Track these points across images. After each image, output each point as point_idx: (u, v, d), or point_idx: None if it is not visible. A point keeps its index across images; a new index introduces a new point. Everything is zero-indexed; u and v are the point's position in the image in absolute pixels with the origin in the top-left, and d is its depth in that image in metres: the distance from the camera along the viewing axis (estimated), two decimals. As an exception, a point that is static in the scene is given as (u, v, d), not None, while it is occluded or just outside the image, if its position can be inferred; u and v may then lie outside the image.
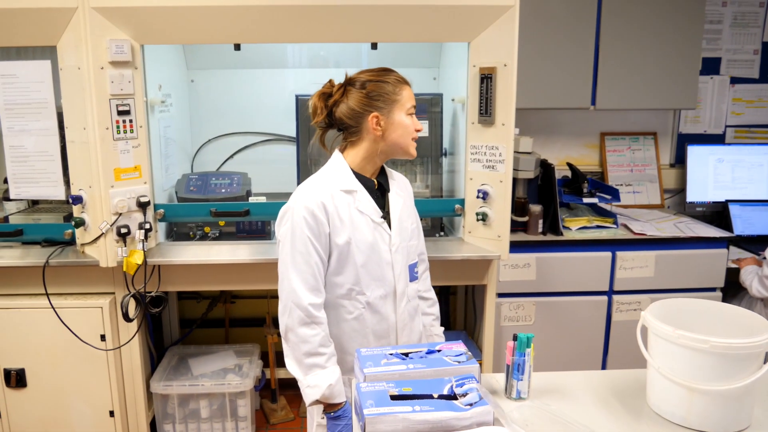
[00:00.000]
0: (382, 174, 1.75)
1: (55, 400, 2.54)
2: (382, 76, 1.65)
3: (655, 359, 1.42)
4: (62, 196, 2.45)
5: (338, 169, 1.69)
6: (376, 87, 1.63)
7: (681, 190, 3.45)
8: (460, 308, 3.29)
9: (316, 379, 1.59)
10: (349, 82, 1.67)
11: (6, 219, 2.65)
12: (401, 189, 1.78)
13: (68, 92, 2.32)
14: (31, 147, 2.41)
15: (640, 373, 1.56)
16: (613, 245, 2.82)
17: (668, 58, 3.00)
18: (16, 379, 2.49)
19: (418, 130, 1.68)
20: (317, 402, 1.61)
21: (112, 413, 2.56)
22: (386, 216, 1.70)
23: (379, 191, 1.72)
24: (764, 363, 1.34)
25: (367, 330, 1.70)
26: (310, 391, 1.60)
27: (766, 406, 1.45)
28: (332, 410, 1.63)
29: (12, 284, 2.49)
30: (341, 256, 1.64)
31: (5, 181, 2.51)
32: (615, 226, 2.92)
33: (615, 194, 2.93)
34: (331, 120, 1.69)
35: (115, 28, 2.26)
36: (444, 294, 3.24)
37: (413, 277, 1.78)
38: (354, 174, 1.68)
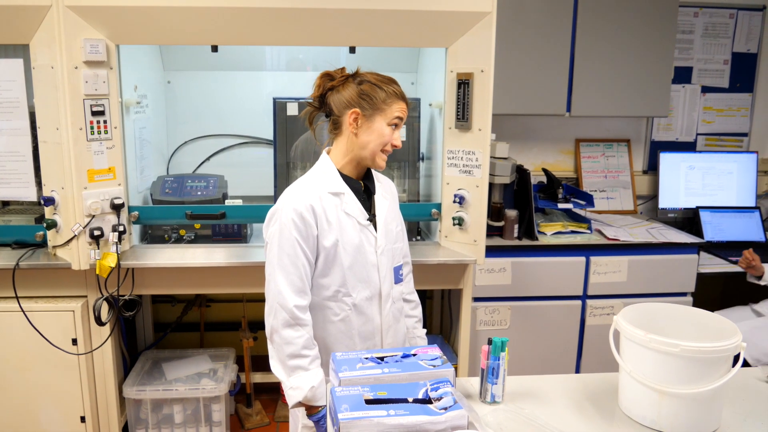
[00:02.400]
0: (368, 176, 1.77)
1: (25, 405, 2.49)
2: (381, 83, 1.66)
3: (627, 363, 1.44)
4: (34, 198, 2.41)
5: (326, 171, 1.70)
6: (370, 89, 1.65)
7: (653, 196, 3.51)
8: (436, 312, 3.31)
9: (299, 380, 1.60)
10: (353, 75, 1.70)
11: (-25, 220, 2.59)
12: (387, 192, 1.80)
13: (41, 92, 2.28)
14: (2, 147, 2.37)
15: (613, 376, 1.58)
16: (587, 250, 2.86)
17: (641, 66, 3.06)
18: (-16, 384, 2.44)
19: (394, 145, 1.68)
20: (300, 404, 1.61)
21: (83, 419, 2.52)
22: (372, 218, 1.72)
23: (365, 193, 1.74)
24: (732, 366, 1.37)
25: (353, 332, 1.71)
26: (292, 393, 1.61)
27: (734, 408, 1.48)
28: (314, 412, 1.63)
29: (-20, 287, 2.43)
30: (328, 258, 1.65)
31: (-26, 181, 2.46)
32: (589, 231, 2.97)
33: (589, 200, 2.97)
34: (321, 102, 1.71)
35: (90, 27, 2.23)
36: (421, 298, 3.23)
37: (398, 279, 1.80)
38: (341, 176, 1.70)
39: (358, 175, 1.73)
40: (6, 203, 2.73)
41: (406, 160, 2.74)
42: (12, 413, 2.49)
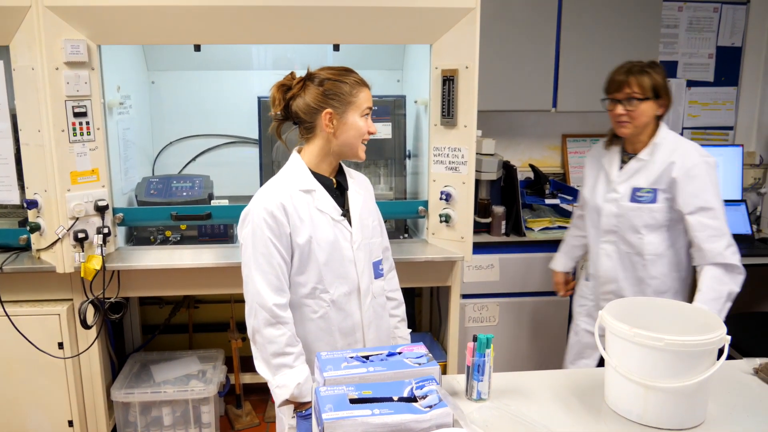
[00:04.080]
0: (340, 173, 1.77)
1: (11, 410, 2.46)
2: (341, 76, 1.65)
3: (613, 358, 1.44)
4: (17, 201, 2.39)
5: (296, 169, 1.70)
6: (333, 86, 1.64)
7: (641, 190, 3.52)
8: (425, 310, 3.30)
9: (284, 378, 1.60)
10: (308, 77, 1.68)
11: (-43, 225, 2.56)
12: (361, 187, 1.80)
13: (22, 93, 2.26)
14: (-16, 150, 2.34)
15: (599, 371, 1.58)
16: (574, 245, 2.86)
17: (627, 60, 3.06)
18: (-31, 390, 2.42)
19: (371, 133, 1.69)
20: (287, 402, 1.61)
21: (71, 423, 2.50)
22: (346, 213, 1.72)
23: (338, 190, 1.74)
24: (717, 359, 1.37)
25: (333, 328, 1.71)
26: (279, 392, 1.61)
27: (719, 401, 1.48)
28: (302, 409, 1.63)
29: (-36, 292, 2.40)
30: (303, 255, 1.65)
31: (-44, 185, 2.43)
32: (577, 226, 2.97)
33: (576, 195, 2.97)
34: (287, 113, 1.70)
35: (71, 27, 2.21)
36: (409, 296, 3.25)
37: (378, 274, 1.79)
38: (312, 173, 1.70)
39: (330, 172, 1.73)
40: (-11, 207, 2.69)
41: (393, 157, 2.73)
42: (-2, 419, 2.47)
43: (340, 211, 1.70)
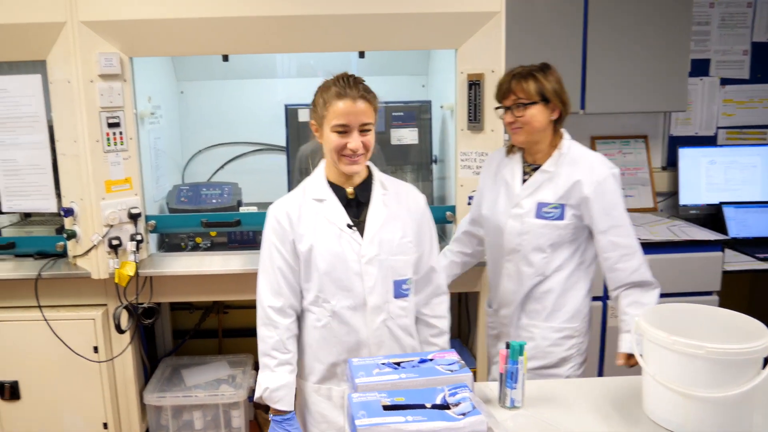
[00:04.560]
0: (367, 183, 1.73)
1: (48, 412, 2.52)
2: (322, 88, 1.65)
3: (650, 366, 1.41)
4: (54, 209, 2.44)
5: (314, 178, 1.74)
6: (315, 98, 1.68)
7: (673, 193, 3.46)
8: (453, 315, 3.26)
9: (262, 377, 1.70)
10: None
11: (-2, 232, 2.64)
12: (394, 201, 1.72)
13: (58, 106, 2.32)
14: (23, 160, 2.40)
15: (637, 380, 1.55)
16: (606, 249, 2.81)
17: (657, 60, 3.01)
18: (10, 391, 2.48)
19: (348, 149, 1.60)
20: (261, 399, 1.70)
21: (105, 425, 2.55)
22: (359, 225, 1.68)
23: (356, 200, 1.71)
24: (763, 368, 1.31)
25: (335, 340, 1.70)
26: (257, 387, 1.71)
27: (766, 412, 1.42)
28: (276, 414, 1.70)
29: (5, 297, 2.47)
30: (306, 262, 1.68)
31: (-4, 194, 2.50)
32: (608, 230, 2.92)
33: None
34: None
35: (104, 41, 2.26)
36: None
37: (400, 294, 1.71)
38: (328, 183, 1.71)
39: (345, 182, 1.70)
40: (28, 215, 2.77)
41: (419, 162, 2.73)
42: (37, 420, 2.53)
43: (348, 222, 1.67)
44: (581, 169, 1.90)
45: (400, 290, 1.70)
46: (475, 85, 2.36)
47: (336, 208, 1.67)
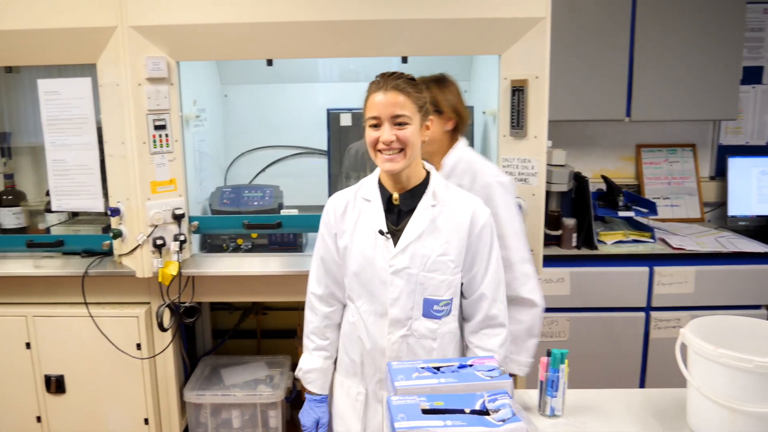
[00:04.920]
0: (417, 191, 1.63)
1: (92, 406, 2.59)
2: (371, 83, 1.60)
3: (696, 378, 1.37)
4: (101, 208, 2.51)
5: (370, 177, 1.72)
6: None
7: (722, 203, 3.35)
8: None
9: (302, 358, 1.80)
10: None
11: (48, 230, 2.73)
12: (444, 215, 1.61)
13: (107, 108, 2.39)
14: (72, 161, 2.48)
15: (680, 392, 1.51)
16: (650, 260, 2.75)
17: (707, 67, 2.93)
18: (56, 385, 2.55)
19: (384, 142, 1.53)
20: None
21: (147, 421, 2.60)
22: (397, 233, 1.61)
23: (401, 207, 1.63)
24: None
25: (358, 340, 1.69)
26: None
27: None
28: (309, 393, 1.79)
29: (53, 293, 2.55)
30: (342, 259, 1.69)
31: (47, 193, 2.58)
32: (652, 240, 2.85)
33: (652, 208, 2.87)
34: None
35: (152, 45, 2.32)
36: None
37: (429, 314, 1.61)
38: (380, 184, 1.66)
39: (392, 185, 1.63)
40: (75, 214, 2.85)
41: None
42: (81, 413, 2.60)
43: (382, 228, 1.60)
44: (466, 177, 1.94)
45: (430, 310, 1.61)
46: (518, 91, 2.34)
47: (377, 211, 1.63)
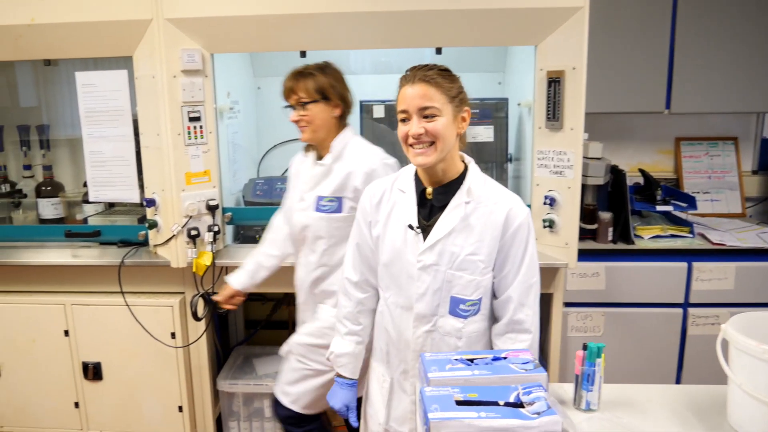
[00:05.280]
0: (451, 186, 1.58)
1: (128, 393, 2.65)
2: (401, 77, 1.57)
3: (737, 375, 1.33)
4: (137, 199, 2.56)
5: (407, 168, 1.69)
6: None
7: (765, 198, 3.24)
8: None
9: (333, 341, 1.81)
10: None
11: (85, 220, 2.79)
12: (477, 213, 1.55)
13: (143, 100, 2.42)
14: (109, 152, 2.53)
15: (720, 389, 1.47)
16: (689, 255, 2.67)
17: (751, 57, 2.83)
18: (93, 372, 2.62)
19: (412, 136, 1.50)
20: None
21: (180, 408, 2.65)
22: (427, 228, 1.57)
23: (434, 201, 1.59)
24: None
25: (385, 331, 1.69)
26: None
27: None
28: (339, 377, 1.79)
29: (90, 282, 2.61)
30: (376, 248, 1.68)
31: (85, 184, 2.64)
32: (691, 235, 2.78)
33: (691, 202, 2.79)
34: None
35: (187, 38, 2.34)
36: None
37: (456, 313, 1.57)
38: (416, 177, 1.63)
39: (427, 179, 1.59)
40: (112, 205, 2.91)
41: (494, 161, 2.68)
42: (117, 400, 2.66)
43: (412, 222, 1.57)
44: (352, 161, 2.00)
45: (456, 309, 1.58)
46: (554, 82, 2.30)
47: (410, 204, 1.59)
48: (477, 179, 1.59)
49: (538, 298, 1.60)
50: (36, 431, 2.74)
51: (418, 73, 1.50)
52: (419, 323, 1.59)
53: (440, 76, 1.51)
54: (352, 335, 1.76)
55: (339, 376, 1.79)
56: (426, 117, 1.49)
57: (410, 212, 1.59)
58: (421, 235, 1.56)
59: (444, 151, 1.52)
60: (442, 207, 1.56)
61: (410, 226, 1.56)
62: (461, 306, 1.56)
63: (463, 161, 1.62)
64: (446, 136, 1.50)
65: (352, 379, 1.78)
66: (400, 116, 1.53)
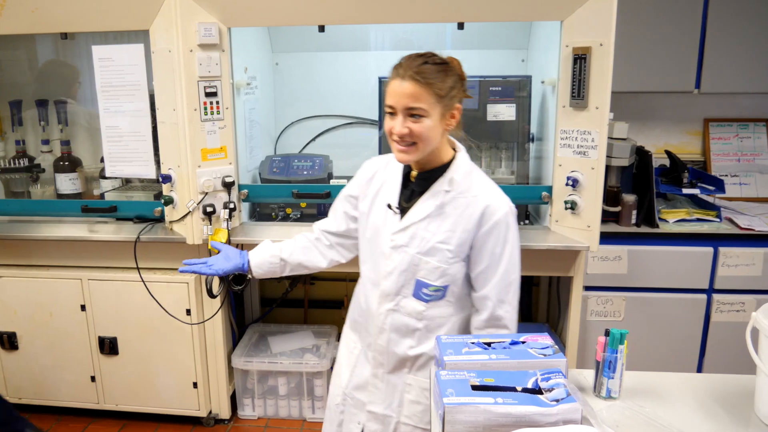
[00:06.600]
0: (435, 172, 1.55)
1: (143, 368, 2.66)
2: (394, 66, 1.51)
3: (767, 365, 1.27)
4: (153, 175, 2.54)
5: None
6: None
7: (796, 182, 3.14)
8: (542, 300, 3.16)
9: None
10: None
11: (102, 196, 2.78)
12: (454, 204, 1.53)
13: (159, 74, 2.39)
14: (126, 127, 2.51)
15: (747, 379, 1.42)
16: (715, 240, 2.60)
17: (787, 35, 2.72)
18: (110, 346, 2.63)
19: (397, 134, 1.46)
20: None
21: (195, 384, 2.65)
22: (404, 211, 1.57)
23: (415, 186, 1.58)
24: None
25: (358, 302, 1.72)
26: None
27: None
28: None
29: (106, 257, 2.61)
30: (360, 223, 1.69)
31: (102, 160, 2.63)
32: (718, 219, 2.69)
33: (719, 185, 2.70)
34: None
35: (204, 11, 2.30)
36: (527, 285, 3.12)
37: (419, 296, 1.57)
38: None
39: (414, 163, 1.56)
40: (128, 180, 2.90)
41: (516, 141, 2.62)
42: (132, 375, 2.67)
43: (392, 202, 1.58)
44: None
45: (420, 292, 1.57)
46: (580, 59, 2.22)
47: (394, 184, 1.60)
48: (461, 169, 1.55)
49: (518, 294, 1.58)
50: (53, 404, 2.78)
51: (411, 68, 1.43)
52: (383, 300, 1.61)
53: (433, 73, 1.43)
54: (282, 244, 1.85)
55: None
56: (412, 116, 1.44)
57: (393, 192, 1.60)
58: (398, 216, 1.57)
59: (426, 150, 1.49)
60: (422, 192, 1.56)
61: (389, 206, 1.58)
62: (424, 290, 1.56)
63: (454, 148, 1.59)
64: (430, 137, 1.46)
65: (246, 262, 1.86)
66: (387, 109, 1.48)
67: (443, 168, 1.55)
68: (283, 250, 1.84)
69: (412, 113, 1.43)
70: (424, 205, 1.54)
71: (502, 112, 2.58)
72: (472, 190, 1.53)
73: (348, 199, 1.74)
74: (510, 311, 1.55)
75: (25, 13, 2.39)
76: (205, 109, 2.37)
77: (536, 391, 1.14)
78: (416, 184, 1.57)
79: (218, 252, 1.95)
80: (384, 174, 1.64)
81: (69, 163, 2.84)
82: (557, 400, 1.10)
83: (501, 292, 1.53)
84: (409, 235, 1.54)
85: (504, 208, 1.51)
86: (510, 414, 1.07)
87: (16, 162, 2.91)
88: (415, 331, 1.60)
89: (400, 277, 1.57)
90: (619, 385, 1.37)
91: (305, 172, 2.69)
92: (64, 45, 3.00)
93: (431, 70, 1.43)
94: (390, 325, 1.61)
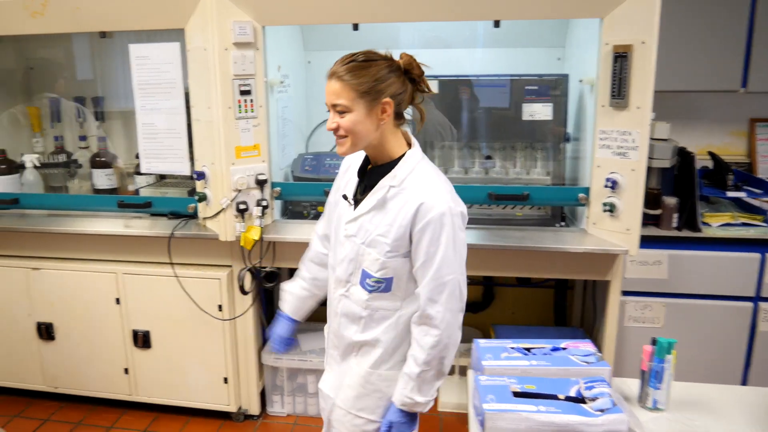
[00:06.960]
0: (385, 168, 1.58)
1: (175, 362, 2.68)
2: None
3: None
4: (187, 172, 2.56)
5: None
6: None
7: None
8: (577, 304, 3.09)
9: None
10: None
11: (137, 192, 2.81)
12: (395, 199, 1.56)
13: (195, 73, 2.40)
14: (161, 124, 2.53)
15: (801, 391, 1.35)
16: (762, 246, 2.50)
17: (840, 32, 2.60)
18: (143, 340, 2.66)
19: (328, 128, 1.56)
20: None
21: (225, 380, 2.66)
22: (356, 203, 1.64)
23: (367, 180, 1.63)
24: None
25: (327, 286, 1.78)
26: None
27: None
28: (279, 309, 1.90)
29: (141, 252, 2.64)
30: (333, 212, 1.74)
31: (137, 156, 2.65)
32: (765, 224, 2.59)
33: (766, 188, 2.60)
34: None
35: (239, 10, 2.30)
36: (561, 288, 3.05)
37: (364, 285, 1.61)
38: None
39: (371, 157, 1.62)
40: (163, 176, 2.93)
41: (551, 141, 2.56)
42: (164, 368, 2.70)
43: (347, 194, 1.66)
44: None
45: (364, 281, 1.62)
46: (621, 57, 2.15)
47: (353, 177, 1.68)
48: (406, 166, 1.58)
49: (456, 296, 1.52)
50: (87, 393, 2.82)
51: (335, 68, 1.52)
52: (337, 286, 1.69)
53: (349, 72, 1.49)
54: (300, 279, 1.88)
55: (279, 310, 1.90)
56: (340, 113, 1.52)
57: (352, 185, 1.68)
58: (353, 207, 1.64)
59: (360, 143, 1.55)
60: (373, 186, 1.60)
61: (344, 197, 1.66)
62: (368, 280, 1.62)
63: (409, 144, 1.62)
64: (359, 130, 1.52)
65: (289, 316, 1.89)
66: (327, 107, 1.56)
67: (393, 163, 1.59)
68: (301, 287, 1.90)
69: (337, 109, 1.52)
70: (370, 198, 1.60)
71: (538, 111, 2.53)
72: (413, 187, 1.56)
73: (330, 197, 1.81)
74: (441, 312, 1.52)
75: (67, 12, 2.43)
76: (240, 107, 2.37)
77: (579, 399, 1.09)
78: (368, 177, 1.63)
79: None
80: (355, 167, 1.71)
81: (105, 158, 2.87)
82: (602, 410, 1.06)
83: (432, 291, 1.53)
84: (357, 226, 1.62)
85: (439, 207, 1.50)
86: (553, 423, 1.03)
87: (55, 158, 2.96)
88: (360, 318, 1.66)
89: (350, 265, 1.64)
90: (667, 396, 1.31)
91: (337, 171, 2.66)
92: (101, 44, 3.05)
93: (352, 68, 1.50)
94: (341, 310, 1.69)
